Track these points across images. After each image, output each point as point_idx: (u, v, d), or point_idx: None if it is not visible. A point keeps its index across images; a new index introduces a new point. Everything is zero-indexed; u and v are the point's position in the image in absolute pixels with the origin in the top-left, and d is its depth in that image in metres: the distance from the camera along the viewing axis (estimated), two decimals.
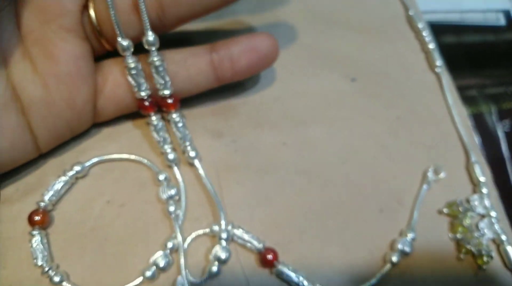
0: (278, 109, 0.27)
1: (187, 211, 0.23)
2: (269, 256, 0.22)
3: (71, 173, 0.23)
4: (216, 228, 0.23)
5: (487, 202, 0.26)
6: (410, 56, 0.30)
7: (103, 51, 0.23)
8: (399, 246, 0.23)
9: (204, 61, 0.23)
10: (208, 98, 0.26)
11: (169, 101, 0.23)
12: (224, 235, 0.22)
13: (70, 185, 0.23)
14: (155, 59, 0.22)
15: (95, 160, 0.24)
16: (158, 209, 0.23)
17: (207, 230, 0.23)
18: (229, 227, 0.23)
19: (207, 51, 0.24)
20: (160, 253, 0.21)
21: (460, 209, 0.25)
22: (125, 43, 0.21)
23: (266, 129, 0.26)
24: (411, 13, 0.32)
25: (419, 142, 0.27)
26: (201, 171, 0.24)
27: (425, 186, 0.26)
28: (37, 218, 0.21)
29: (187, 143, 0.24)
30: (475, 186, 0.26)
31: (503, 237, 0.25)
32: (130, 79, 0.22)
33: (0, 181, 0.23)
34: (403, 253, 0.23)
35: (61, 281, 0.20)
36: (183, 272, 0.21)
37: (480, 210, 0.26)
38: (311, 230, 0.24)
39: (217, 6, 0.22)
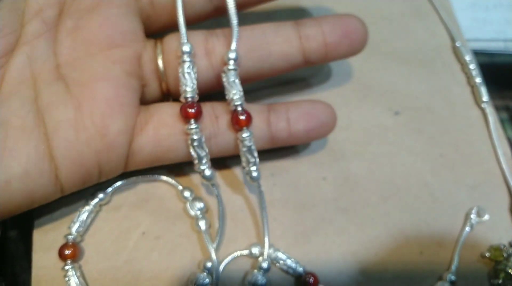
0: (318, 142, 0.27)
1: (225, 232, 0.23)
2: (310, 280, 0.22)
3: (94, 201, 0.22)
4: (255, 251, 0.22)
5: None
6: (455, 90, 0.30)
7: (160, 94, 0.23)
8: None
9: (260, 118, 0.23)
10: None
11: (241, 117, 0.21)
12: (265, 265, 0.22)
13: (95, 214, 0.23)
14: (231, 70, 0.22)
15: (118, 184, 0.23)
16: (194, 242, 0.23)
17: (247, 251, 0.23)
18: (271, 250, 0.22)
19: (264, 108, 0.23)
20: (200, 275, 0.21)
21: (503, 254, 0.25)
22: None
23: (305, 163, 0.26)
24: (457, 44, 0.31)
25: (462, 181, 0.27)
26: (262, 189, 0.23)
27: (467, 228, 0.25)
28: (67, 252, 0.21)
29: (252, 167, 0.22)
30: None
31: None
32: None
33: (33, 224, 0.22)
34: None
35: None
36: None
37: None
38: (348, 271, 0.23)
39: None
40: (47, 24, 0.20)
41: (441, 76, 0.30)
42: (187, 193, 0.23)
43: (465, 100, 0.29)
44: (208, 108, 0.22)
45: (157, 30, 0.23)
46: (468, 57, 0.30)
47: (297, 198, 0.25)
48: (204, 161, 0.21)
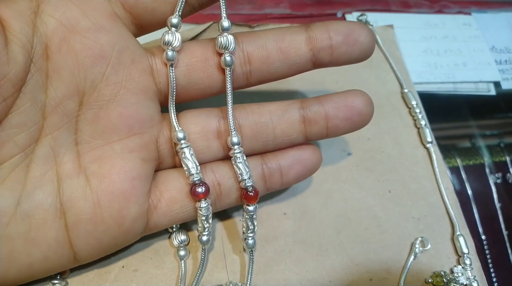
0: None
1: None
2: None
3: None
4: None
5: (469, 273, 0.28)
6: (403, 131, 0.33)
7: (172, 166, 0.25)
8: None
9: (256, 174, 0.25)
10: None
11: (251, 194, 0.23)
12: None
13: None
14: (238, 155, 0.23)
15: None
16: (168, 273, 0.25)
17: None
18: None
19: (258, 163, 0.25)
20: None
21: (444, 280, 0.27)
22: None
23: (268, 200, 0.28)
24: (405, 90, 0.34)
25: (408, 214, 0.30)
26: (251, 260, 0.25)
27: (412, 257, 0.28)
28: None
29: (250, 234, 0.25)
30: (459, 257, 0.29)
31: None
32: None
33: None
34: None
35: None
36: None
37: (463, 281, 0.28)
38: None
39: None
40: (68, 115, 0.21)
41: (391, 119, 0.33)
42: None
43: (412, 141, 0.33)
44: (209, 172, 0.24)
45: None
46: (414, 102, 0.34)
47: (260, 232, 0.27)
48: (206, 230, 0.24)
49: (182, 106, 0.24)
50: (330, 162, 0.31)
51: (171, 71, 0.22)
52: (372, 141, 0.32)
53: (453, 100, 0.40)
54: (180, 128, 0.23)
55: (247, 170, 0.23)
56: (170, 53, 0.22)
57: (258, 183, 0.25)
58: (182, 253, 0.25)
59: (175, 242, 0.26)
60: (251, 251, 0.25)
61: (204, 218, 0.23)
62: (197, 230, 0.24)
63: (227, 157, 0.25)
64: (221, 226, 0.27)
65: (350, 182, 0.30)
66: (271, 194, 0.28)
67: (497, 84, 0.42)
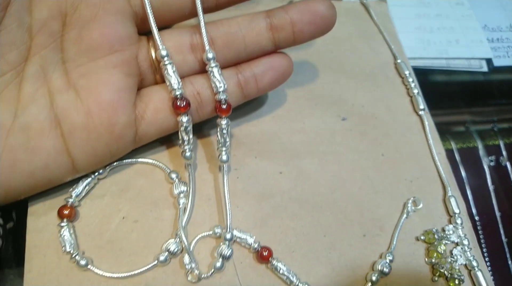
0: (276, 142, 0.30)
1: (193, 215, 0.27)
2: (265, 253, 0.25)
3: (94, 174, 0.26)
4: (218, 230, 0.26)
5: (460, 232, 0.29)
6: (396, 99, 0.34)
7: (154, 83, 0.26)
8: (379, 267, 0.26)
9: (232, 82, 0.26)
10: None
11: (224, 106, 0.25)
12: (228, 236, 0.26)
13: (93, 185, 0.26)
14: (215, 69, 0.25)
15: (115, 164, 0.27)
16: (167, 225, 0.26)
17: (211, 232, 0.26)
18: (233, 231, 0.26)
19: (233, 73, 0.27)
20: (171, 240, 0.25)
21: (436, 237, 0.28)
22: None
23: (265, 160, 0.29)
24: (399, 61, 0.35)
25: (401, 176, 0.30)
26: (225, 175, 0.27)
27: (404, 216, 0.29)
28: (65, 211, 0.24)
29: (224, 148, 0.27)
30: (451, 217, 0.29)
31: (474, 263, 0.28)
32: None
33: (28, 196, 0.25)
34: (382, 273, 0.26)
35: (86, 264, 0.24)
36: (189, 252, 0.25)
37: (454, 238, 0.29)
38: (300, 250, 0.27)
39: None
40: (53, 35, 0.23)
41: (384, 88, 0.34)
42: (173, 175, 0.27)
43: (405, 108, 0.34)
44: (189, 84, 0.26)
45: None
46: (407, 72, 0.35)
47: (257, 189, 0.28)
48: (187, 143, 0.26)
49: None
50: (325, 126, 0.32)
51: None
52: (366, 107, 0.33)
53: (447, 87, 0.41)
54: (163, 46, 0.24)
55: (223, 83, 0.25)
56: None
57: (235, 91, 0.27)
58: (182, 201, 0.26)
59: (176, 191, 0.27)
60: (225, 166, 0.27)
61: (183, 128, 0.25)
62: (180, 147, 0.26)
63: (203, 71, 0.26)
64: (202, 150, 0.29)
65: (344, 145, 0.31)
66: (267, 153, 0.30)
67: (489, 61, 0.43)
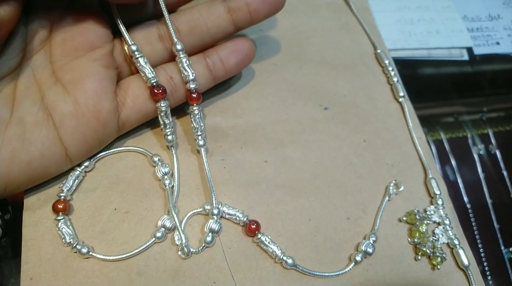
0: (260, 132, 0.31)
1: (182, 193, 0.28)
2: (253, 226, 0.27)
3: (81, 168, 0.27)
4: (208, 206, 0.27)
5: (441, 212, 0.30)
6: (376, 88, 0.35)
7: (130, 74, 0.29)
8: (362, 247, 0.27)
9: (202, 66, 0.29)
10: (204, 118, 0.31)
11: (194, 95, 0.28)
12: (215, 211, 0.27)
13: (82, 178, 0.27)
14: (184, 59, 0.27)
15: (99, 155, 0.28)
16: (156, 214, 0.27)
17: (201, 209, 0.27)
18: (219, 205, 0.27)
19: (201, 57, 0.29)
20: (165, 216, 0.26)
21: (418, 217, 0.29)
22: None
23: (250, 150, 0.30)
24: (378, 51, 0.37)
25: (382, 161, 0.32)
26: (203, 155, 0.28)
27: (386, 198, 0.30)
28: (60, 206, 0.25)
29: (199, 133, 0.29)
30: (432, 198, 0.31)
31: (456, 242, 0.29)
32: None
33: (24, 191, 0.27)
34: (366, 254, 0.27)
35: (88, 252, 0.25)
36: (181, 231, 0.26)
37: (435, 218, 0.30)
38: (286, 234, 0.28)
39: None
40: (42, 41, 0.26)
41: (365, 77, 0.35)
42: (156, 158, 0.28)
43: (385, 96, 0.35)
44: (162, 71, 0.28)
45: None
46: (387, 61, 0.36)
47: (243, 178, 0.29)
48: (168, 127, 0.28)
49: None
50: (307, 116, 0.33)
51: None
52: (347, 97, 0.34)
53: (435, 80, 0.42)
54: (132, 42, 0.27)
55: (192, 72, 0.28)
56: None
57: (205, 74, 0.29)
58: (167, 182, 0.28)
59: (159, 174, 0.28)
60: (203, 149, 0.29)
61: (163, 113, 0.27)
62: (162, 131, 0.28)
63: (173, 58, 0.28)
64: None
65: (326, 133, 0.32)
66: (253, 143, 0.31)
67: (469, 50, 0.44)
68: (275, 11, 0.29)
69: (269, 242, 0.27)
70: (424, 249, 0.28)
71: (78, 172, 0.27)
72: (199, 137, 0.29)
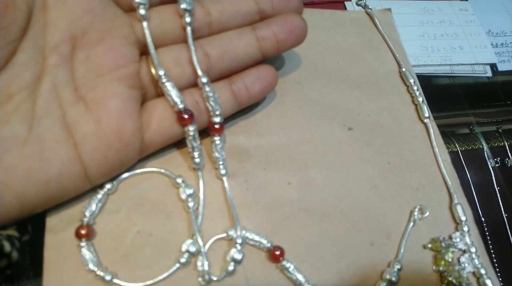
0: (284, 153, 0.31)
1: (206, 216, 0.28)
2: (277, 252, 0.26)
3: (103, 190, 0.27)
4: (231, 232, 0.27)
5: (467, 239, 0.29)
6: (401, 108, 0.34)
7: (156, 96, 0.28)
8: (387, 276, 0.27)
9: (228, 92, 0.29)
10: (225, 142, 0.30)
11: (217, 126, 0.28)
12: (239, 240, 0.27)
13: (105, 201, 0.27)
14: (210, 93, 0.27)
15: (124, 175, 0.28)
16: (180, 238, 0.27)
17: (224, 234, 0.27)
18: (243, 232, 0.27)
19: (227, 84, 0.29)
20: (189, 241, 0.26)
21: (443, 244, 0.29)
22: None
23: (273, 171, 0.30)
24: (403, 69, 0.36)
25: (407, 184, 0.31)
26: (226, 184, 0.28)
27: (411, 224, 0.29)
28: (83, 231, 0.25)
29: (221, 162, 0.29)
30: (457, 224, 0.30)
31: (482, 271, 0.28)
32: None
33: (46, 212, 0.26)
34: (390, 282, 0.27)
35: (112, 279, 0.24)
36: (205, 263, 0.26)
37: (461, 246, 0.29)
38: (310, 259, 0.27)
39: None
40: (64, 56, 0.25)
41: (389, 97, 0.35)
42: (179, 180, 0.28)
43: (410, 116, 0.34)
44: (188, 95, 0.28)
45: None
46: (412, 80, 0.35)
47: (266, 200, 0.29)
48: (196, 150, 0.28)
49: None
50: (331, 136, 0.32)
51: (145, 25, 0.27)
52: (371, 117, 0.33)
53: (451, 90, 0.42)
54: (160, 67, 0.27)
55: (219, 106, 0.28)
56: (142, 11, 0.26)
57: (230, 100, 0.29)
58: (191, 204, 0.27)
59: (183, 196, 0.28)
60: (225, 178, 0.29)
61: (191, 137, 0.27)
62: (190, 154, 0.28)
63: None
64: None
65: (351, 155, 0.32)
66: (276, 164, 0.30)
67: (493, 66, 0.43)
68: (299, 42, 0.30)
69: (293, 270, 0.26)
70: (450, 278, 0.28)
71: (100, 196, 0.27)
72: (221, 167, 0.29)
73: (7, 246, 0.25)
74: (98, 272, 0.24)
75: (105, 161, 0.25)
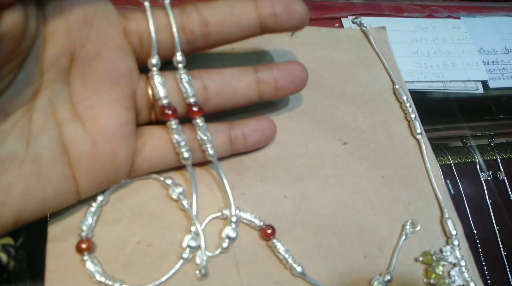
0: (280, 166, 0.31)
1: (200, 201, 0.29)
2: (269, 231, 0.28)
3: (96, 203, 0.27)
4: (226, 212, 0.28)
5: (457, 253, 0.30)
6: (394, 124, 0.35)
7: (149, 120, 0.28)
8: (375, 283, 0.28)
9: (225, 137, 0.29)
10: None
11: (195, 109, 0.27)
12: (234, 219, 0.28)
13: (99, 213, 0.28)
14: (183, 76, 0.27)
15: (113, 187, 0.28)
16: (179, 248, 0.27)
17: (219, 214, 0.28)
18: (237, 211, 0.28)
19: (227, 128, 0.29)
20: (189, 236, 0.27)
21: (434, 258, 0.30)
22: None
23: (270, 183, 0.31)
24: (397, 86, 0.37)
25: (399, 198, 0.32)
26: (217, 164, 0.29)
27: (403, 237, 0.30)
28: (84, 245, 0.25)
29: (208, 145, 0.28)
30: (448, 238, 0.31)
31: (472, 284, 0.29)
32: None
33: (48, 221, 0.27)
34: None
35: (121, 285, 0.25)
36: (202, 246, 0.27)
37: (451, 259, 0.30)
38: (305, 271, 0.28)
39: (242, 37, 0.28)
40: (62, 71, 0.24)
41: (383, 113, 0.36)
42: (168, 181, 0.29)
43: (403, 132, 0.35)
44: (187, 130, 0.28)
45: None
46: (405, 97, 0.36)
47: (263, 213, 0.29)
48: (182, 145, 0.28)
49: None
50: (327, 151, 0.33)
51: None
52: (366, 132, 0.34)
53: (444, 103, 0.43)
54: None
55: (191, 89, 0.27)
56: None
57: (225, 145, 0.29)
58: (184, 202, 0.28)
59: (174, 196, 0.29)
60: (215, 159, 0.29)
61: (174, 131, 0.27)
62: (178, 152, 0.28)
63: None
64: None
65: (345, 168, 0.32)
66: (273, 177, 0.31)
67: (484, 83, 0.45)
68: (297, 91, 0.31)
69: (281, 250, 0.28)
70: None
71: (94, 209, 0.27)
72: (208, 148, 0.28)
73: (4, 258, 0.26)
74: (107, 282, 0.25)
75: (96, 180, 0.26)
